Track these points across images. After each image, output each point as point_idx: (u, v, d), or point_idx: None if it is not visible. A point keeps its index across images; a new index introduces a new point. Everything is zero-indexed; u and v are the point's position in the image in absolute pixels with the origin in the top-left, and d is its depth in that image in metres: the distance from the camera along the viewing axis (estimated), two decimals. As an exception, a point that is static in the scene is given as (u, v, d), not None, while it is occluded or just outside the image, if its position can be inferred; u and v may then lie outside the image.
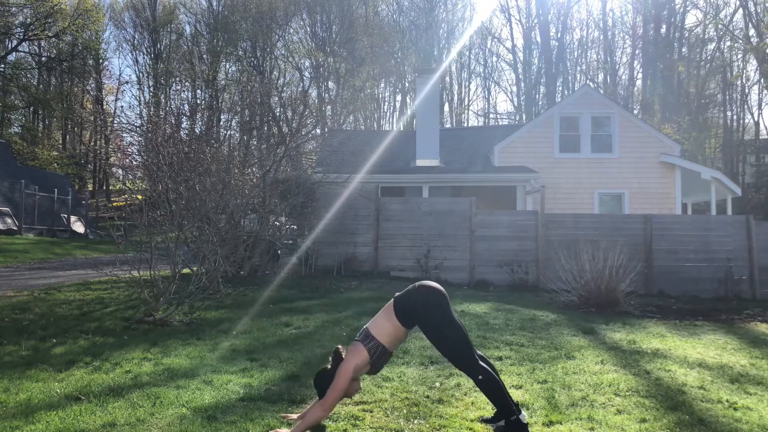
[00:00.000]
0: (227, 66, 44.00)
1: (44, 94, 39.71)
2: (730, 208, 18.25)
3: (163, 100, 39.89)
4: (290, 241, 13.22)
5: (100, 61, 44.13)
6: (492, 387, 3.62)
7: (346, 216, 12.55)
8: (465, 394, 4.42)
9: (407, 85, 41.42)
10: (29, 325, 6.72)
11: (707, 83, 38.39)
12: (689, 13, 39.49)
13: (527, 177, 16.13)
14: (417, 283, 3.82)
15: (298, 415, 3.78)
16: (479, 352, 3.86)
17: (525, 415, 3.84)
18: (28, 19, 35.27)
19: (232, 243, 10.41)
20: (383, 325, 3.67)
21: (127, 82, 50.30)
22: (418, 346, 5.95)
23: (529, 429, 3.67)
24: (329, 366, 3.67)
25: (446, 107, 44.79)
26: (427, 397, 4.34)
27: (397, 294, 3.80)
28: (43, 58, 39.83)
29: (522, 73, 43.28)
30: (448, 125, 42.39)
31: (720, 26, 31.06)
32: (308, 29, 42.35)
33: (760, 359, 6.02)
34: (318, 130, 26.70)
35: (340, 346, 3.72)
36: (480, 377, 3.60)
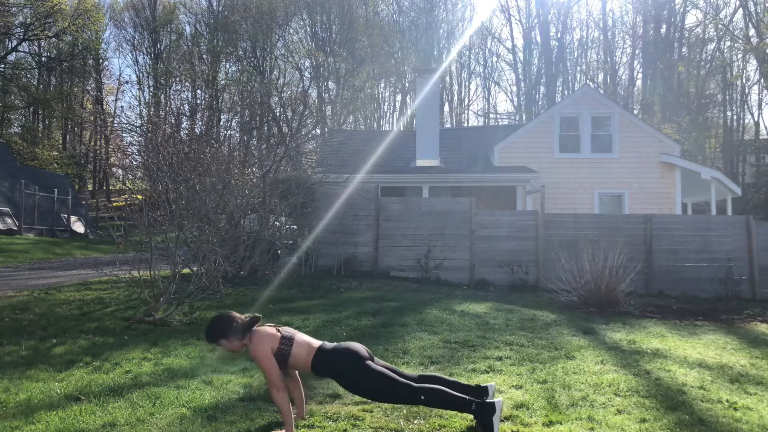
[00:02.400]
0: (227, 66, 44.06)
1: (44, 94, 39.71)
2: (730, 208, 18.26)
3: (163, 100, 39.85)
4: (290, 241, 13.21)
5: (100, 61, 44.17)
6: (437, 400, 3.64)
7: (346, 216, 12.55)
8: (465, 394, 4.41)
9: (407, 85, 41.44)
10: (29, 325, 6.72)
11: (707, 83, 38.39)
12: (689, 13, 39.54)
13: (527, 177, 16.13)
14: (341, 347, 3.74)
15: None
16: (414, 374, 3.91)
17: (492, 386, 3.92)
18: (28, 19, 35.28)
19: (232, 243, 10.40)
20: (302, 352, 3.67)
21: (127, 82, 50.32)
22: (418, 346, 5.95)
23: (494, 405, 3.64)
24: (240, 320, 3.66)
25: (446, 107, 44.81)
26: (427, 397, 4.34)
27: (323, 345, 3.76)
28: (43, 58, 39.83)
29: (522, 73, 43.31)
30: (448, 125, 42.39)
31: (720, 26, 31.08)
32: (308, 29, 42.38)
33: (760, 359, 6.02)
34: (318, 130, 26.70)
35: (260, 316, 3.73)
36: (422, 397, 3.62)
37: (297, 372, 3.89)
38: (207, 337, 3.75)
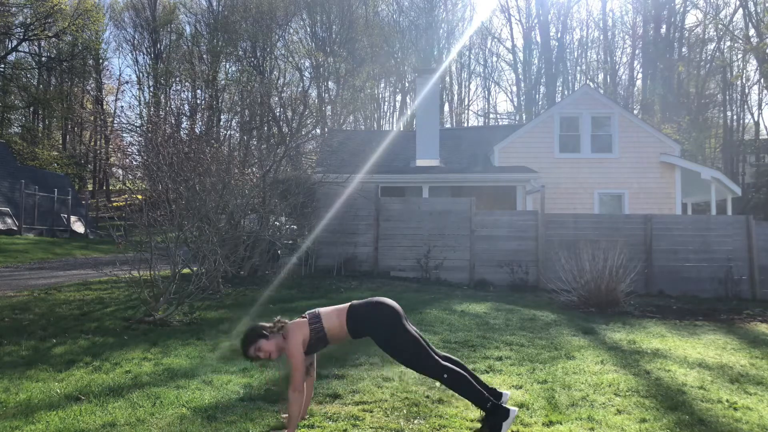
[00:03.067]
0: (227, 66, 44.05)
1: (44, 94, 39.71)
2: (730, 208, 18.26)
3: (163, 100, 39.85)
4: (290, 241, 13.21)
5: (100, 61, 44.16)
6: (459, 383, 3.64)
7: (346, 216, 12.55)
8: (465, 394, 4.41)
9: (407, 85, 41.44)
10: (29, 325, 6.72)
11: (707, 83, 38.39)
12: (689, 13, 39.54)
13: (527, 177, 16.13)
14: (373, 299, 3.80)
15: (284, 415, 3.79)
16: (443, 353, 3.90)
17: (507, 395, 3.90)
18: (28, 19, 35.27)
19: (232, 243, 10.40)
20: (333, 319, 3.70)
21: (127, 82, 50.31)
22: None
23: (507, 409, 3.64)
24: (268, 326, 3.68)
25: (446, 107, 44.81)
26: (427, 397, 4.34)
27: (354, 302, 3.79)
28: (43, 58, 39.83)
29: (522, 73, 43.30)
30: (448, 125, 42.39)
31: (720, 26, 31.08)
32: (308, 29, 42.37)
33: (760, 359, 6.02)
34: (318, 130, 26.70)
35: (284, 321, 3.73)
36: (445, 376, 3.63)
37: (314, 374, 3.89)
38: (243, 351, 3.70)
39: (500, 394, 3.88)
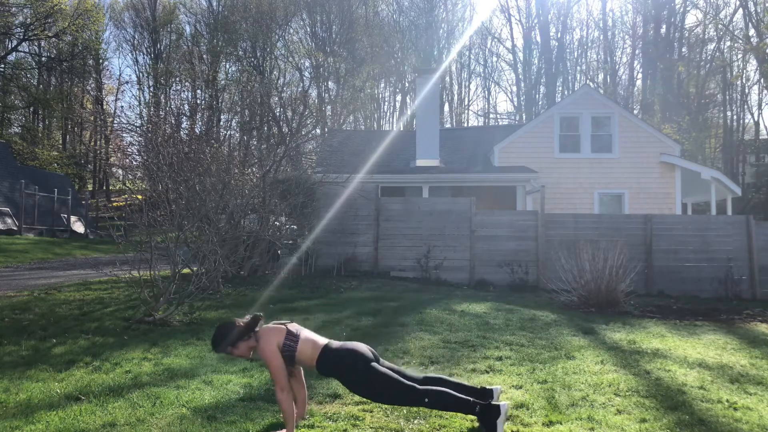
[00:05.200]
0: (227, 66, 44.06)
1: (44, 94, 39.71)
2: (730, 208, 18.25)
3: (163, 100, 39.87)
4: (290, 241, 13.21)
5: (100, 61, 44.17)
6: (441, 401, 3.64)
7: (346, 216, 12.55)
8: (465, 394, 4.41)
9: (407, 85, 41.44)
10: (29, 325, 6.72)
11: (707, 83, 38.38)
12: (689, 13, 39.53)
13: (527, 177, 16.13)
14: (348, 346, 3.73)
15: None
16: (420, 375, 3.88)
17: (497, 389, 3.91)
18: (28, 19, 35.28)
19: (232, 243, 10.40)
20: (307, 348, 3.66)
21: (127, 82, 50.35)
22: (418, 346, 5.95)
23: (499, 407, 3.63)
24: (242, 322, 3.68)
25: (446, 107, 44.81)
26: (427, 397, 4.33)
27: (329, 344, 3.72)
28: (43, 58, 39.84)
29: (522, 73, 43.30)
30: (448, 125, 42.39)
31: (720, 26, 31.08)
32: (308, 29, 42.38)
33: (760, 359, 6.02)
34: (318, 130, 26.69)
35: (260, 314, 3.73)
36: (426, 400, 3.61)
37: (302, 372, 3.89)
38: (214, 348, 3.76)
39: (490, 391, 3.88)
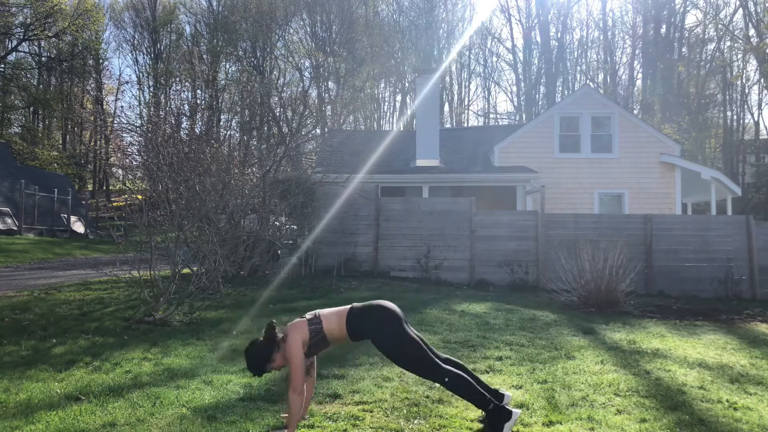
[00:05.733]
0: (227, 66, 44.06)
1: (44, 94, 39.71)
2: (730, 208, 18.25)
3: (163, 100, 39.88)
4: (290, 241, 13.21)
5: (100, 61, 44.17)
6: (461, 386, 3.63)
7: (346, 216, 12.55)
8: (465, 394, 4.41)
9: (407, 85, 41.43)
10: (29, 325, 6.72)
11: (707, 83, 38.38)
12: (689, 13, 39.52)
13: (527, 177, 16.13)
14: (374, 303, 3.78)
15: (284, 414, 3.79)
16: (443, 355, 3.88)
17: (509, 396, 3.89)
18: (28, 19, 35.28)
19: (232, 243, 10.40)
20: (333, 321, 3.68)
21: (127, 82, 50.35)
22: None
23: (510, 411, 3.63)
24: (261, 338, 3.67)
25: (446, 107, 44.80)
26: (427, 397, 4.34)
27: (354, 305, 3.78)
28: (43, 58, 39.84)
29: (522, 73, 43.30)
30: (448, 125, 42.39)
31: (720, 26, 31.07)
32: (308, 29, 42.38)
33: (760, 359, 6.02)
34: (318, 130, 26.69)
35: (274, 321, 3.72)
36: (446, 379, 3.61)
37: (315, 373, 3.89)
38: (254, 373, 3.70)
39: (502, 396, 3.88)
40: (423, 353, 3.63)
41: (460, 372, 3.69)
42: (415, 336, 3.70)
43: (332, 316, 3.71)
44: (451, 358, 3.92)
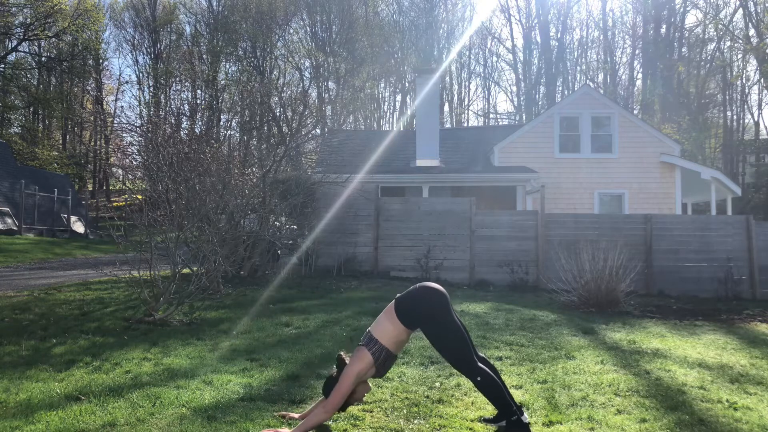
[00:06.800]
0: (227, 66, 44.07)
1: (44, 94, 39.72)
2: (730, 208, 18.26)
3: (163, 100, 39.88)
4: (290, 241, 13.22)
5: (100, 61, 44.18)
6: (490, 388, 3.64)
7: (346, 216, 12.55)
8: (465, 394, 4.42)
9: (407, 85, 41.43)
10: (29, 325, 6.72)
11: (707, 83, 38.39)
12: (689, 13, 39.56)
13: (527, 177, 16.13)
14: (418, 285, 3.81)
15: (300, 414, 3.78)
16: (480, 354, 3.88)
17: (527, 416, 3.85)
18: (28, 19, 35.28)
19: (232, 243, 10.40)
20: (386, 327, 3.66)
21: (127, 82, 50.47)
22: (418, 346, 5.95)
23: (530, 429, 3.67)
24: (334, 373, 3.69)
25: (446, 107, 44.82)
26: (427, 397, 4.34)
27: (398, 295, 3.80)
28: (43, 58, 39.84)
29: (522, 73, 43.31)
30: (448, 125, 42.41)
31: (720, 26, 31.07)
32: (308, 29, 42.39)
33: (760, 359, 6.02)
34: (318, 130, 26.67)
35: (342, 353, 3.73)
36: (479, 378, 3.62)
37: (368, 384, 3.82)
38: (342, 409, 3.69)
39: (521, 409, 3.86)
40: (463, 345, 3.65)
41: (492, 374, 3.70)
42: (460, 326, 3.70)
43: (380, 323, 3.69)
44: (486, 359, 3.91)
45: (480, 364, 3.68)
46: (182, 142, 10.74)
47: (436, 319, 3.66)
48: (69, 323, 6.88)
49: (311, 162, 19.53)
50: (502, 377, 4.93)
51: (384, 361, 3.63)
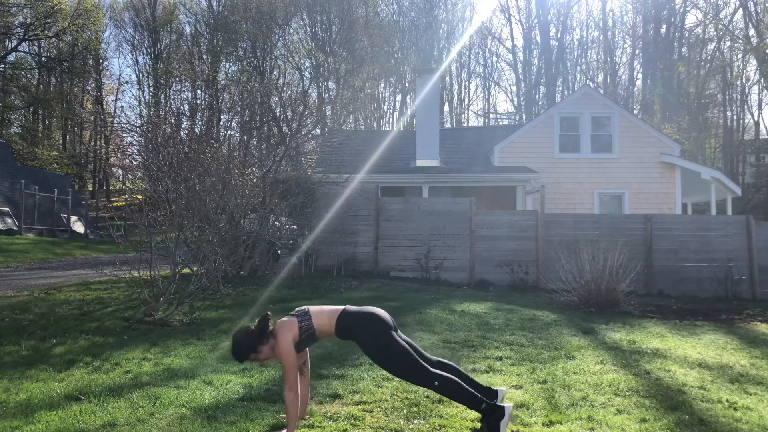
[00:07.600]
0: (227, 66, 44.07)
1: (44, 94, 39.72)
2: (730, 208, 18.26)
3: (163, 100, 39.91)
4: (290, 241, 13.21)
5: (100, 61, 44.18)
6: (450, 389, 3.64)
7: (346, 216, 12.55)
8: (465, 394, 4.41)
9: (407, 85, 41.43)
10: (29, 325, 6.72)
11: (707, 83, 38.39)
12: (689, 13, 39.57)
13: (527, 177, 16.13)
14: (367, 310, 3.81)
15: (283, 415, 3.80)
16: (435, 358, 3.89)
17: (502, 391, 3.90)
18: (28, 19, 35.28)
19: (232, 243, 10.40)
20: (323, 319, 3.72)
21: (127, 82, 50.41)
22: (418, 347, 5.94)
23: (504, 409, 3.64)
24: (253, 327, 3.68)
25: (446, 107, 44.80)
26: (427, 397, 4.34)
27: (348, 307, 3.80)
28: (43, 58, 39.83)
29: (522, 73, 43.30)
30: (448, 125, 42.39)
31: (720, 26, 31.08)
32: (308, 29, 42.38)
33: (760, 359, 6.02)
34: (318, 130, 26.68)
35: (269, 313, 3.73)
36: (436, 384, 3.62)
37: (308, 371, 3.92)
38: (237, 358, 3.70)
39: (495, 392, 3.89)
40: (409, 359, 3.63)
41: (449, 375, 3.69)
42: (402, 342, 3.69)
43: (323, 313, 3.74)
44: (443, 360, 3.93)
45: (434, 370, 3.67)
46: (182, 142, 10.75)
47: (372, 340, 3.68)
48: (69, 323, 6.88)
49: (311, 162, 19.55)
50: (502, 377, 4.93)
51: (306, 339, 3.67)
